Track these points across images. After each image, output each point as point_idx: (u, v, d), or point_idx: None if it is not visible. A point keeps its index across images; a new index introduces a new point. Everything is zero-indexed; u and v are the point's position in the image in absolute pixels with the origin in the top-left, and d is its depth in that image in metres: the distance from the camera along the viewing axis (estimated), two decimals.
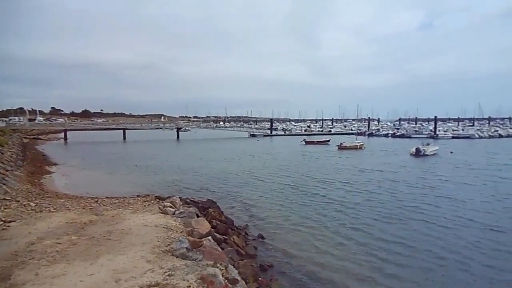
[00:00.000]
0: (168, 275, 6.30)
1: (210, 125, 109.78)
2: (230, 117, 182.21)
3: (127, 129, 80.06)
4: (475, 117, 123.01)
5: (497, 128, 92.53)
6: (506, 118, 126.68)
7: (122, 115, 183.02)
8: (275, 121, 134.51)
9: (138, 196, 16.81)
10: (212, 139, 75.80)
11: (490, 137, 79.40)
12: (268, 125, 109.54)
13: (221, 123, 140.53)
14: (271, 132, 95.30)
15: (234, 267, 7.79)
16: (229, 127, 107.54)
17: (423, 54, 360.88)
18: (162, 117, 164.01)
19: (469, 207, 16.73)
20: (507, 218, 14.75)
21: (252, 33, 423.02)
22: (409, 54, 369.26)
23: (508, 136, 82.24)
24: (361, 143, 53.37)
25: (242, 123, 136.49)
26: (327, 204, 17.68)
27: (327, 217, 15.25)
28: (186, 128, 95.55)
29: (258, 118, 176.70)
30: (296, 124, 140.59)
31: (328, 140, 63.91)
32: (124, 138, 74.50)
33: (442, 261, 10.49)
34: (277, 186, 22.68)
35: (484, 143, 63.07)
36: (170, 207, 12.47)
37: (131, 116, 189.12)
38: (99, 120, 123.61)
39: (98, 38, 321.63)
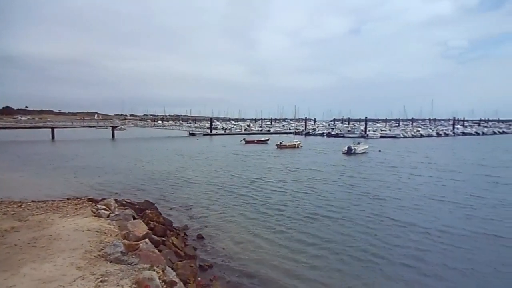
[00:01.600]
0: (101, 281, 5.99)
1: (147, 124, 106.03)
2: (169, 115, 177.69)
3: (56, 127, 73.83)
4: (400, 118, 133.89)
5: (419, 128, 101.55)
6: (426, 119, 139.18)
7: (50, 112, 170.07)
8: (215, 120, 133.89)
9: (68, 199, 15.65)
10: (150, 138, 73.36)
11: (413, 136, 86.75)
12: (207, 124, 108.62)
13: (160, 121, 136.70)
14: (211, 131, 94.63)
15: (172, 269, 7.64)
16: (168, 126, 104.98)
17: (354, 59, 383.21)
18: (96, 115, 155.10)
19: (388, 204, 17.65)
20: (416, 214, 15.80)
21: (190, 30, 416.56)
22: (341, 58, 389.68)
23: (428, 135, 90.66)
24: (298, 142, 55.20)
25: (181, 122, 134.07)
26: (265, 203, 17.89)
27: (266, 216, 15.46)
28: (122, 126, 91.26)
29: (197, 117, 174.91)
30: (236, 123, 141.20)
31: (268, 139, 65.11)
32: (53, 137, 68.55)
33: (368, 256, 11.02)
34: (217, 186, 22.56)
35: (408, 142, 68.72)
36: (104, 209, 11.86)
37: (60, 113, 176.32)
38: (24, 118, 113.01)
39: (18, 29, 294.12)
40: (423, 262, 10.59)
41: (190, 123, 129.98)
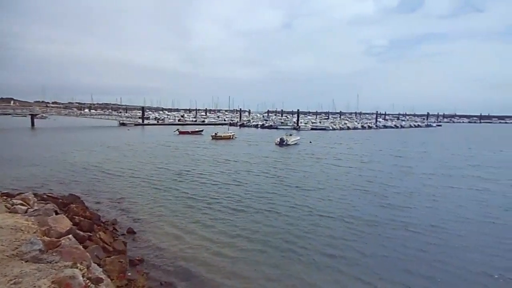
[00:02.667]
0: (14, 283, 5.46)
1: (73, 113, 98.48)
2: (97, 104, 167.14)
3: None
4: (330, 111, 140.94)
5: (346, 121, 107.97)
6: (353, 113, 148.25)
7: None
8: (147, 110, 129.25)
9: None
10: (76, 128, 68.54)
11: (341, 129, 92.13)
12: (139, 113, 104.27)
13: (87, 110, 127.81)
14: (142, 121, 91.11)
15: (99, 265, 7.27)
16: (96, 115, 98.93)
17: (287, 52, 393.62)
18: (12, 102, 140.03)
19: (311, 194, 18.35)
20: (335, 204, 16.61)
21: (119, 14, 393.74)
22: (275, 51, 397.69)
23: (354, 128, 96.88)
24: (233, 134, 55.49)
25: (110, 111, 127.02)
26: (195, 196, 17.66)
27: (195, 209, 15.28)
28: (44, 115, 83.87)
29: (128, 106, 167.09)
30: (169, 113, 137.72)
31: (202, 130, 64.52)
32: None
33: (290, 246, 11.36)
34: (147, 179, 21.74)
35: (336, 134, 72.74)
36: (22, 204, 10.83)
37: None
38: None
39: None
40: (340, 249, 11.16)
41: (120, 112, 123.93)
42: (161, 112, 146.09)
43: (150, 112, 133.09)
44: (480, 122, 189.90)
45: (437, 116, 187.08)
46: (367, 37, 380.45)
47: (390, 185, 20.99)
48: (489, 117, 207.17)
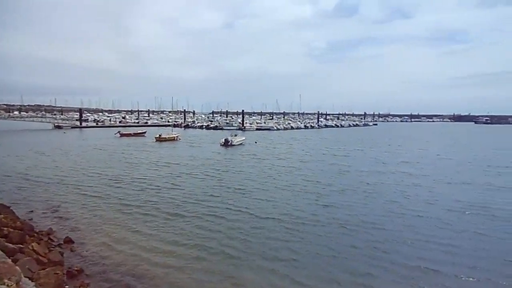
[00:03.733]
0: None
1: (0, 115, 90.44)
2: (28, 105, 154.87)
3: None
4: (274, 111, 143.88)
5: (290, 121, 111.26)
6: (296, 113, 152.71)
7: None
8: (86, 112, 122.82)
9: None
10: (4, 131, 63.13)
11: (285, 128, 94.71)
12: (76, 115, 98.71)
13: (16, 112, 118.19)
14: (80, 124, 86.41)
15: (31, 279, 7.06)
16: (28, 117, 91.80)
17: (232, 52, 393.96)
18: None
19: (250, 195, 18.84)
20: (272, 204, 17.19)
21: (50, 9, 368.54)
22: (219, 51, 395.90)
23: (298, 128, 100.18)
24: (177, 135, 54.80)
25: (44, 113, 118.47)
26: (134, 202, 17.28)
27: (134, 216, 14.99)
28: None
29: (64, 107, 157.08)
30: (110, 115, 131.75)
31: (145, 132, 62.84)
32: None
33: (226, 249, 11.59)
34: (84, 184, 20.89)
35: (280, 134, 74.76)
36: None
37: None
38: None
39: None
40: (278, 250, 11.47)
41: (55, 114, 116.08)
42: (100, 113, 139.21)
43: (88, 114, 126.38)
44: (411, 121, 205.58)
45: (373, 115, 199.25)
46: (308, 40, 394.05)
47: (328, 184, 22.07)
48: (418, 116, 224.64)
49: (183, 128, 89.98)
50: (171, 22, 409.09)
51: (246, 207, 16.41)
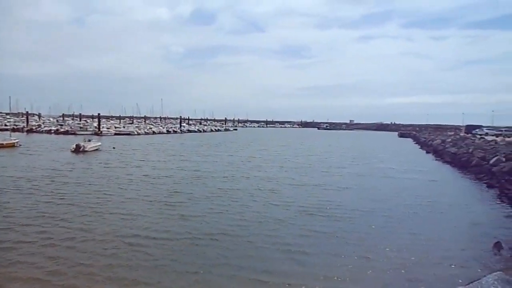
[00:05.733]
0: None
1: None
2: None
3: None
4: (134, 115, 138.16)
5: (152, 126, 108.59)
6: (158, 117, 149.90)
7: None
8: None
9: None
10: None
11: (146, 133, 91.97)
12: None
13: None
14: None
15: None
16: None
17: (84, 50, 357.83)
18: None
19: (89, 212, 17.94)
20: (117, 220, 16.71)
21: None
22: (69, 47, 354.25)
23: (160, 132, 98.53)
24: (17, 140, 47.91)
25: None
26: None
27: None
28: None
29: None
30: None
31: None
32: None
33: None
34: None
35: (142, 139, 72.65)
36: None
37: None
38: None
39: None
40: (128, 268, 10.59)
41: None
42: None
43: None
44: (267, 126, 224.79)
45: (233, 121, 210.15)
46: (166, 43, 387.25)
47: (179, 192, 21.33)
48: (273, 122, 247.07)
49: (25, 133, 78.58)
50: (9, 12, 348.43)
51: (76, 227, 14.05)
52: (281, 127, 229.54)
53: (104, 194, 20.20)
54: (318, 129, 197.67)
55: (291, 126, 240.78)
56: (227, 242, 12.97)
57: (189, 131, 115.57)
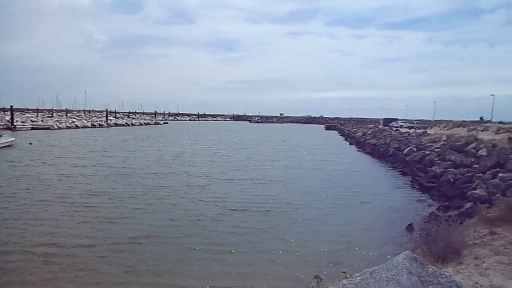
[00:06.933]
0: None
1: None
2: None
3: None
4: (54, 108, 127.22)
5: (74, 120, 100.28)
6: (81, 110, 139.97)
7: None
8: None
9: None
10: None
11: (68, 127, 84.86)
12: None
13: None
14: None
15: None
16: None
17: None
18: None
19: None
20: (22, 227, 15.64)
21: None
22: None
23: (84, 126, 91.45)
24: None
25: None
26: None
27: None
28: None
29: None
30: None
31: None
32: None
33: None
34: None
35: (63, 134, 67.08)
36: None
37: None
38: None
39: None
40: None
41: None
42: None
43: None
44: (199, 120, 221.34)
45: (163, 114, 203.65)
46: (88, 31, 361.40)
47: (99, 192, 19.82)
48: (204, 115, 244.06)
49: None
50: None
51: None
52: (213, 120, 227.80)
53: (7, 197, 17.82)
54: (250, 122, 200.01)
55: (224, 119, 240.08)
56: (152, 245, 12.22)
57: (117, 124, 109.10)
